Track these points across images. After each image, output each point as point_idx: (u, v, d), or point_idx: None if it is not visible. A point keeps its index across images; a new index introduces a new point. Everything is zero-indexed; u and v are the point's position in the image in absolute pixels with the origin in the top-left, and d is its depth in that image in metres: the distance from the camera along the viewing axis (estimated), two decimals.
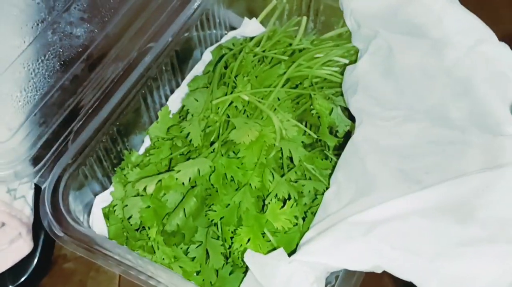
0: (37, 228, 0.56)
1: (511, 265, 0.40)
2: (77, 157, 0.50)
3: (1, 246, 0.55)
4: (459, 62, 0.51)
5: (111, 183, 0.55)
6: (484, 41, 0.51)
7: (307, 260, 0.43)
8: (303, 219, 0.49)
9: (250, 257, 0.43)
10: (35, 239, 0.57)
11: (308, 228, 0.46)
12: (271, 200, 0.48)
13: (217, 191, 0.49)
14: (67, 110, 0.51)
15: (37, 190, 0.56)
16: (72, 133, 0.50)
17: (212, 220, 0.48)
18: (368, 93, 0.51)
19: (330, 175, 0.50)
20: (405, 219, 0.43)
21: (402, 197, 0.44)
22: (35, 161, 0.49)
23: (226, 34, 0.65)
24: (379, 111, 0.50)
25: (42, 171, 0.49)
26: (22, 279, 0.57)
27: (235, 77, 0.56)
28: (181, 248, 0.48)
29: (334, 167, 0.51)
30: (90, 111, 0.52)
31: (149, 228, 0.49)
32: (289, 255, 0.44)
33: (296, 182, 0.51)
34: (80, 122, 0.51)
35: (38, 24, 0.53)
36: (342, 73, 0.57)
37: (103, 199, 0.53)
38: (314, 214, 0.48)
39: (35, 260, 0.58)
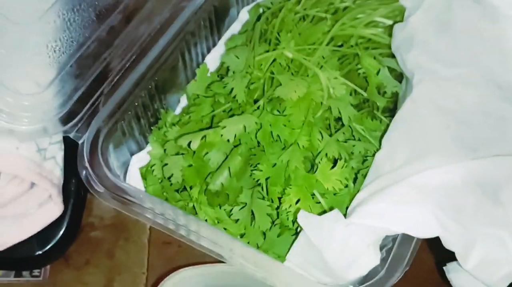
0: (66, 191, 0.55)
1: None
2: (115, 111, 0.48)
3: (30, 209, 0.53)
4: (508, 34, 0.48)
5: (147, 142, 0.52)
6: None
7: (364, 223, 0.40)
8: (354, 181, 0.47)
9: (304, 218, 0.41)
10: (65, 202, 0.55)
11: (359, 190, 0.44)
12: (321, 160, 0.45)
13: (263, 150, 0.46)
14: (103, 63, 0.48)
15: (68, 150, 0.54)
16: (109, 87, 0.48)
17: (257, 181, 0.45)
18: (426, 49, 0.48)
19: (381, 136, 0.47)
20: (458, 188, 0.42)
21: (459, 163, 0.43)
22: (71, 115, 0.47)
23: None
24: (439, 68, 0.47)
25: (79, 125, 0.47)
26: (51, 244, 0.56)
27: (277, 33, 0.53)
28: (224, 209, 0.45)
29: (383, 128, 0.49)
30: (127, 65, 0.49)
31: (190, 188, 0.46)
32: None
33: (345, 142, 0.48)
34: (117, 77, 0.49)
35: None
36: (387, 35, 0.54)
37: (140, 159, 0.51)
38: (364, 176, 0.46)
39: (65, 225, 0.56)
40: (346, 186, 0.46)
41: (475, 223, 0.41)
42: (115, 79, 0.48)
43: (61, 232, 0.56)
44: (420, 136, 0.44)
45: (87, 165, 0.43)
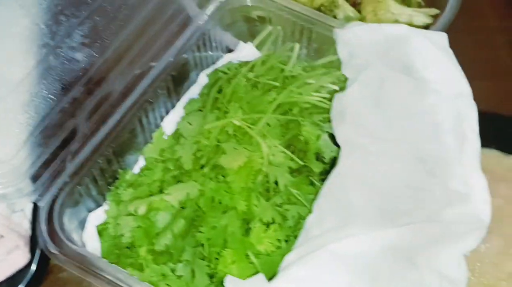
0: (34, 240, 0.59)
1: None
2: (74, 177, 0.53)
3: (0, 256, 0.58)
4: (435, 108, 0.54)
5: (105, 200, 0.58)
6: (462, 96, 0.54)
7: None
8: (286, 241, 0.51)
9: (231, 283, 0.46)
10: (32, 250, 0.59)
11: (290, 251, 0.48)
12: (255, 224, 0.50)
13: (204, 213, 0.51)
14: (65, 131, 0.54)
15: (36, 205, 0.59)
16: (70, 154, 0.53)
17: (199, 241, 0.51)
18: (356, 122, 0.54)
19: (314, 200, 0.52)
20: (375, 256, 0.47)
21: (378, 232, 0.48)
22: (34, 179, 0.52)
23: (222, 56, 0.67)
24: (367, 143, 0.52)
25: (41, 189, 0.52)
26: None
27: (228, 102, 0.58)
28: (169, 267, 0.51)
29: (318, 192, 0.54)
30: (88, 133, 0.54)
31: (139, 247, 0.51)
32: (271, 277, 0.47)
33: (281, 206, 0.53)
34: (78, 144, 0.54)
35: (42, 49, 0.56)
36: (331, 100, 0.59)
37: (97, 216, 0.55)
38: (296, 237, 0.50)
39: (31, 271, 0.59)
40: (279, 247, 0.50)
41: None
42: (77, 146, 0.54)
43: (28, 278, 0.59)
44: (345, 206, 0.49)
45: (43, 230, 0.49)
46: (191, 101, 0.62)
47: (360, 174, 0.51)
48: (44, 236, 0.48)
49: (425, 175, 0.52)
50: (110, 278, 0.47)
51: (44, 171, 0.52)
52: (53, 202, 0.51)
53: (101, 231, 0.55)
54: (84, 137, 0.54)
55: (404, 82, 0.57)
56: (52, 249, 0.48)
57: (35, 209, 0.59)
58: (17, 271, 0.59)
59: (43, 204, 0.50)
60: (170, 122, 0.61)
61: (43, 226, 0.48)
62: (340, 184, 0.51)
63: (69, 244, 0.48)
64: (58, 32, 0.57)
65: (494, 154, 0.65)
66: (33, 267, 0.60)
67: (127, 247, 0.53)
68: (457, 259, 0.47)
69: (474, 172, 0.51)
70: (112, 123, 0.55)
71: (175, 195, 0.51)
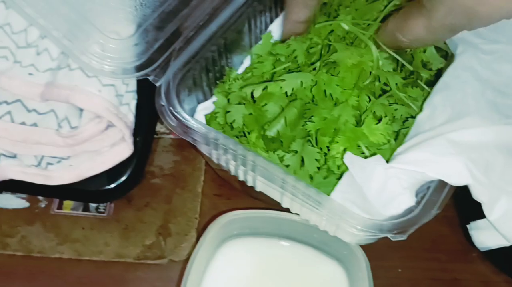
0: (135, 136, 0.61)
1: None
2: (189, 61, 0.54)
3: (104, 148, 0.60)
4: None
5: (212, 94, 0.59)
6: None
7: (404, 168, 0.45)
8: (395, 140, 0.51)
9: (350, 158, 0.46)
10: (134, 147, 0.61)
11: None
12: (367, 116, 0.50)
13: (316, 105, 0.52)
14: (181, 19, 0.55)
15: (139, 101, 0.61)
16: (184, 41, 0.54)
17: (309, 132, 0.51)
18: None
19: (422, 103, 0.53)
20: (489, 148, 0.47)
21: (493, 126, 0.48)
22: (151, 61, 0.53)
23: None
24: (480, 43, 0.52)
25: (157, 71, 0.53)
26: (119, 181, 0.62)
27: (337, 7, 0.58)
28: (277, 155, 0.51)
29: (425, 97, 0.54)
30: (201, 23, 0.55)
31: (249, 133, 0.52)
32: None
33: (389, 105, 0.53)
34: (192, 33, 0.55)
35: None
36: None
37: (205, 107, 0.57)
38: (404, 136, 0.51)
39: (132, 166, 0.62)
40: (388, 141, 0.50)
41: (501, 180, 0.46)
42: (190, 34, 0.55)
43: (129, 172, 0.62)
44: (459, 100, 0.49)
45: (164, 102, 0.50)
46: None
47: (474, 68, 0.51)
48: (165, 108, 0.49)
49: None
50: (228, 148, 0.48)
51: (160, 54, 0.54)
52: (171, 81, 0.52)
53: (210, 120, 0.56)
54: (198, 26, 0.55)
55: None
56: (171, 120, 0.49)
57: (140, 104, 0.61)
58: (118, 164, 0.61)
59: (161, 82, 0.52)
60: (277, 26, 0.62)
61: (163, 98, 0.50)
62: (454, 78, 0.51)
63: (187, 116, 0.49)
64: None
65: None
66: (134, 162, 0.62)
67: (236, 136, 0.53)
68: None
69: None
70: (225, 16, 0.56)
71: (289, 82, 0.51)
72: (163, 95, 0.50)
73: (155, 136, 0.70)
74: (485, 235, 0.48)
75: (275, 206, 0.56)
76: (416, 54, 0.56)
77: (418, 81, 0.55)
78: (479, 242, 0.49)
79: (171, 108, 0.49)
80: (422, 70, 0.55)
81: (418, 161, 0.46)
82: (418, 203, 0.46)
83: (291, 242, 0.59)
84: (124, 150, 0.60)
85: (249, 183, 0.53)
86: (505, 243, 0.47)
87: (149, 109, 0.64)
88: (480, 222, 0.48)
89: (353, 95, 0.52)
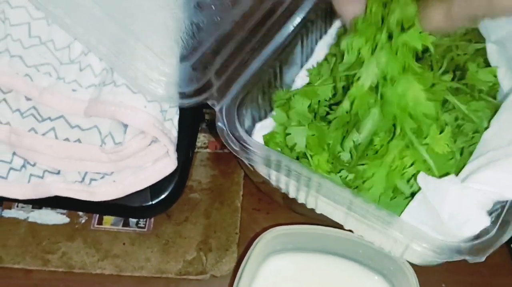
0: (178, 152, 0.61)
1: None
2: (246, 85, 0.54)
3: (146, 163, 0.60)
4: None
5: (268, 115, 0.59)
6: None
7: (480, 188, 0.45)
8: (460, 154, 0.51)
9: (423, 178, 0.46)
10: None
11: (465, 164, 0.49)
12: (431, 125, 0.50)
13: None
14: (237, 43, 0.55)
15: (181, 116, 0.61)
16: (242, 63, 0.54)
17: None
18: None
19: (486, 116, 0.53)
20: None
21: None
22: (208, 85, 0.53)
23: None
24: None
25: (214, 95, 0.53)
26: (161, 197, 0.62)
27: None
28: (340, 176, 0.51)
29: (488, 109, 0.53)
30: (257, 45, 0.55)
31: (311, 157, 0.52)
32: None
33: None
34: (249, 55, 0.55)
35: None
36: None
37: (263, 126, 0.57)
38: (470, 153, 0.51)
39: (174, 181, 0.62)
40: (453, 154, 0.50)
41: None
42: (246, 57, 0.55)
43: (171, 187, 0.62)
44: None
45: (225, 126, 0.50)
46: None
47: None
48: (226, 132, 0.50)
49: None
50: (294, 171, 0.48)
51: (217, 79, 0.53)
52: (230, 105, 0.52)
53: (269, 140, 0.55)
54: (254, 49, 0.55)
55: None
56: (233, 144, 0.49)
57: (182, 119, 0.61)
58: (162, 180, 0.61)
59: (221, 107, 0.52)
60: (322, 46, 0.62)
61: (224, 123, 0.50)
62: None
63: (249, 138, 0.49)
64: None
65: None
66: (176, 177, 0.62)
67: (297, 157, 0.53)
68: None
69: None
70: (281, 38, 0.56)
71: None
72: (224, 120, 0.50)
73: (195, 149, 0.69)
74: None
75: (317, 220, 0.56)
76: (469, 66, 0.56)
77: (481, 95, 0.55)
78: None
79: (232, 131, 0.50)
80: (478, 82, 0.55)
81: (493, 180, 0.45)
82: (493, 222, 0.46)
83: (335, 257, 0.60)
84: (167, 165, 0.60)
85: (310, 205, 0.54)
86: None
87: (190, 124, 0.64)
88: None
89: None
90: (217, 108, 0.52)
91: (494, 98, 0.56)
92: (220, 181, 0.69)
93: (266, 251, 0.59)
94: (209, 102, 0.52)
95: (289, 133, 0.53)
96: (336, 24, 0.64)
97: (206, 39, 0.54)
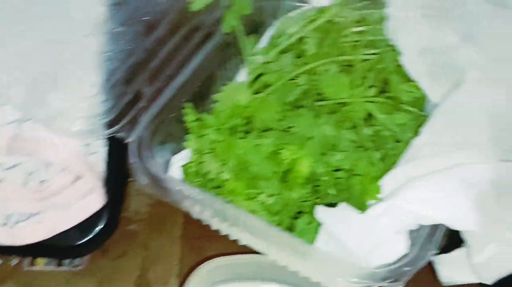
0: (107, 185, 0.58)
1: None
2: (159, 115, 0.52)
3: (74, 200, 0.57)
4: None
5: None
6: None
7: (409, 207, 0.43)
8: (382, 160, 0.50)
9: (322, 212, 0.44)
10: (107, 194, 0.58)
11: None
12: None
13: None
14: (149, 71, 0.53)
15: (111, 147, 0.58)
16: (154, 93, 0.53)
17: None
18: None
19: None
20: (490, 187, 0.44)
21: (495, 163, 0.45)
22: (119, 117, 0.52)
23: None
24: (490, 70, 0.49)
25: (126, 126, 0.51)
26: (92, 234, 0.59)
27: None
28: (258, 201, 0.49)
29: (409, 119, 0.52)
30: (171, 73, 0.54)
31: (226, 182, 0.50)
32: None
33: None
34: (162, 84, 0.53)
35: None
36: None
37: (181, 158, 0.54)
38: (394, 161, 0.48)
39: (105, 217, 0.59)
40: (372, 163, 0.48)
41: (496, 222, 0.43)
42: (160, 86, 0.53)
43: (102, 223, 0.59)
44: (462, 130, 0.47)
45: (135, 159, 0.48)
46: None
47: (483, 100, 0.48)
48: (137, 166, 0.47)
49: None
50: (208, 205, 0.46)
51: (129, 109, 0.52)
52: (141, 136, 0.50)
53: (186, 171, 0.53)
54: (167, 77, 0.53)
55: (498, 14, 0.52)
56: (143, 178, 0.47)
57: (112, 150, 0.58)
58: (91, 216, 0.58)
59: (131, 138, 0.50)
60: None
61: (135, 157, 0.48)
62: (461, 107, 0.48)
63: (161, 172, 0.47)
64: None
65: None
66: (107, 212, 0.59)
67: (218, 186, 0.51)
68: None
69: None
70: (195, 63, 0.54)
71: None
72: (134, 152, 0.48)
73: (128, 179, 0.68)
74: (451, 270, 0.47)
75: None
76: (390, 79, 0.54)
77: (404, 106, 0.53)
78: (445, 276, 0.47)
79: (143, 165, 0.48)
80: (401, 94, 0.53)
81: (426, 200, 0.43)
82: (413, 244, 0.43)
83: (277, 284, 0.58)
84: (95, 201, 0.57)
85: (233, 237, 0.52)
86: (473, 280, 0.46)
87: (121, 154, 0.62)
88: (446, 256, 0.46)
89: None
90: (129, 141, 0.50)
91: (422, 109, 0.54)
92: (159, 210, 0.66)
93: (205, 283, 0.57)
94: (120, 135, 0.50)
95: (203, 161, 0.51)
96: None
97: (117, 69, 0.52)
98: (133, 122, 0.51)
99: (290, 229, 0.49)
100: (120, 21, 0.54)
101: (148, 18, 0.55)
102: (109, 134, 0.50)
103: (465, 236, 0.44)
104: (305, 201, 0.49)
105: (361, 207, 0.44)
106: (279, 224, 0.49)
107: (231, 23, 0.54)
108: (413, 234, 0.44)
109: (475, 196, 0.43)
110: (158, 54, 0.54)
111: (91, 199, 0.57)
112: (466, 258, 0.45)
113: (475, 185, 0.44)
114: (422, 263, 0.42)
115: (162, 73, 0.54)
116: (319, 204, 0.47)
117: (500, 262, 0.43)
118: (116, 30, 0.54)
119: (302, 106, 0.52)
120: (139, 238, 0.64)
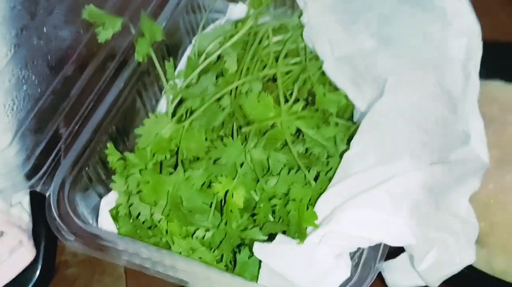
0: (37, 234, 0.56)
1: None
2: (78, 160, 0.49)
3: (2, 257, 0.54)
4: (447, 43, 0.49)
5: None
6: (470, 33, 0.50)
7: (346, 232, 0.42)
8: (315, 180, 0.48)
9: (259, 249, 0.43)
10: (36, 245, 0.56)
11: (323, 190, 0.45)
12: None
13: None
14: (62, 114, 0.50)
15: (34, 195, 0.55)
16: (70, 137, 0.49)
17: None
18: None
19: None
20: (421, 195, 0.44)
21: (423, 169, 0.45)
22: (36, 169, 0.48)
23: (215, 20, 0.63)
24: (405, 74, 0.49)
25: (44, 178, 0.48)
26: None
27: None
28: (196, 238, 0.47)
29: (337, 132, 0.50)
30: (86, 113, 0.50)
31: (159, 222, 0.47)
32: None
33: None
34: (77, 126, 0.50)
35: (22, 31, 0.51)
36: None
37: (110, 201, 0.51)
38: (329, 178, 0.46)
39: (39, 268, 0.56)
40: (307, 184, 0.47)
41: (434, 227, 0.43)
42: (75, 128, 0.50)
43: (36, 276, 0.56)
44: (389, 141, 0.46)
45: (55, 216, 0.44)
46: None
47: (402, 108, 0.47)
48: (58, 223, 0.44)
49: (447, 111, 0.49)
50: (136, 254, 0.44)
51: (45, 159, 0.48)
52: (61, 188, 0.46)
53: (116, 215, 0.50)
54: (82, 118, 0.50)
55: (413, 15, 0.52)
56: (68, 235, 0.44)
57: (34, 201, 0.55)
58: (23, 271, 0.55)
59: (49, 192, 0.46)
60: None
61: (54, 213, 0.44)
62: (384, 118, 0.47)
63: (85, 226, 0.44)
64: (37, 12, 0.52)
65: (498, 84, 0.62)
66: (40, 264, 0.56)
67: (148, 228, 0.49)
68: (467, 200, 0.44)
69: (474, 112, 0.48)
70: (111, 98, 0.51)
71: None
72: (53, 208, 0.45)
73: None
74: (397, 276, 0.47)
75: None
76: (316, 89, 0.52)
77: (332, 117, 0.51)
78: (392, 282, 0.47)
79: (65, 221, 0.44)
80: (328, 105, 0.51)
81: (358, 223, 0.41)
82: (355, 265, 0.42)
83: None
84: (24, 255, 0.54)
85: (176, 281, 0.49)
86: (420, 283, 0.44)
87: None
88: (391, 262, 0.45)
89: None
90: (47, 194, 0.46)
91: (351, 118, 0.53)
92: None
93: None
94: (38, 189, 0.47)
95: (132, 204, 0.48)
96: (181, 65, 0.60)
97: (25, 117, 0.48)
98: (52, 173, 0.48)
99: (233, 263, 0.47)
100: (21, 64, 0.50)
101: (52, 56, 0.51)
102: (26, 188, 0.46)
103: (408, 249, 0.43)
104: (245, 230, 0.47)
105: (300, 235, 0.42)
106: (220, 260, 0.47)
107: (143, 51, 0.51)
108: (355, 254, 0.44)
109: (411, 206, 0.43)
110: (69, 94, 0.50)
111: (20, 254, 0.55)
112: (411, 263, 0.45)
113: (410, 194, 0.43)
114: (367, 284, 0.42)
115: (77, 113, 0.50)
116: (260, 234, 0.46)
117: (443, 264, 0.43)
118: (18, 74, 0.50)
119: (228, 133, 0.50)
120: (80, 282, 0.61)
